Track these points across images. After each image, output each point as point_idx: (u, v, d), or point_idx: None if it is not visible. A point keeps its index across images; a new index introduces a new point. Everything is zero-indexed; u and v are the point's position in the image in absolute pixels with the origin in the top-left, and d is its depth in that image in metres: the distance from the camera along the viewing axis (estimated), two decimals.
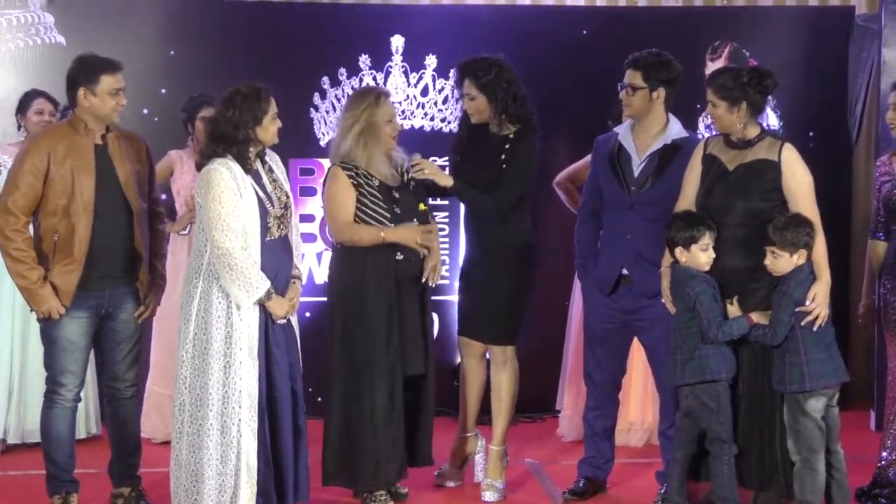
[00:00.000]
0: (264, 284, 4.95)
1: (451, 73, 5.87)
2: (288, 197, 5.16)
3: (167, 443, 6.60)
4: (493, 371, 5.83)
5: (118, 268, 5.29)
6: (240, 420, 4.94)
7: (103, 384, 5.54)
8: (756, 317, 5.04)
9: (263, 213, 5.01)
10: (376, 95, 5.51)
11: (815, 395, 5.00)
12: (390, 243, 5.42)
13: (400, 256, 5.46)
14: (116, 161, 5.26)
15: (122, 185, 5.25)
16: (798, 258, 5.00)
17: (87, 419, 6.70)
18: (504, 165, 5.62)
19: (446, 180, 5.59)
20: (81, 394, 5.42)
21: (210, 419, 4.94)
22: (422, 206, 5.55)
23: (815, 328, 4.98)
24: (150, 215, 5.43)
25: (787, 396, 5.04)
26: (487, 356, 5.87)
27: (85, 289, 5.20)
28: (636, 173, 5.50)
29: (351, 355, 5.46)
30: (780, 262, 5.01)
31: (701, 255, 5.08)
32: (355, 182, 5.44)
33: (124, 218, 5.26)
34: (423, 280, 5.50)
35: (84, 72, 5.22)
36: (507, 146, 5.65)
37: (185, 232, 6.67)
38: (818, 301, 4.98)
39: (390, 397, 5.44)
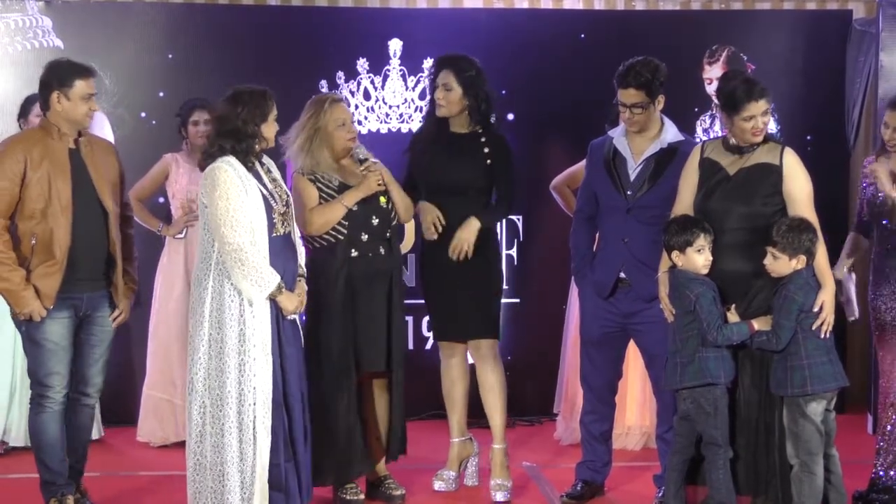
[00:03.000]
0: (275, 279, 4.98)
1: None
2: (288, 195, 5.22)
3: (164, 447, 6.64)
4: (482, 369, 5.82)
5: (96, 271, 5.30)
6: (255, 417, 4.97)
7: (69, 389, 5.40)
8: (758, 324, 5.03)
9: (269, 209, 5.05)
10: (323, 101, 5.54)
11: (815, 399, 5.00)
12: (350, 238, 5.44)
13: (355, 253, 5.48)
14: (90, 165, 5.28)
15: (96, 189, 5.27)
16: (797, 263, 4.99)
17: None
18: (489, 161, 5.69)
19: (473, 227, 5.63)
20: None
21: (231, 417, 4.97)
22: (382, 199, 5.55)
23: (823, 335, 4.98)
24: (121, 220, 5.44)
25: (788, 400, 5.03)
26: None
27: (65, 291, 5.21)
28: (632, 177, 5.50)
29: (309, 351, 5.45)
30: (779, 263, 5.00)
31: (697, 257, 5.08)
32: (316, 186, 5.48)
33: (100, 221, 5.28)
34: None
35: (58, 75, 5.24)
36: (483, 140, 5.73)
37: (181, 235, 6.67)
38: (826, 309, 4.98)
39: (343, 393, 5.45)
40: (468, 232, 5.65)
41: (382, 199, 5.55)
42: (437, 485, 5.89)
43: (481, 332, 5.78)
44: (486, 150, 5.72)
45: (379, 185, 5.52)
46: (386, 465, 5.75)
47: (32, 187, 5.16)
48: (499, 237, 5.92)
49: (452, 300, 5.75)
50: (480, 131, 5.75)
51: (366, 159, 5.56)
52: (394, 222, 5.63)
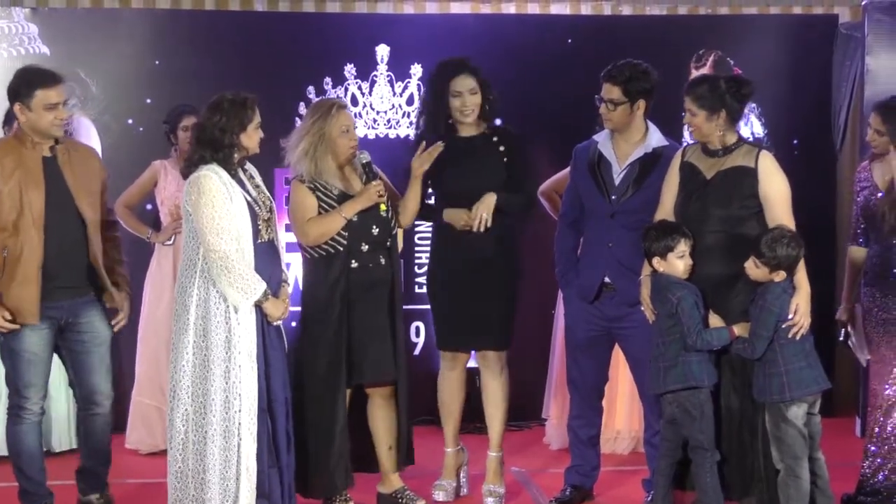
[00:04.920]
0: (261, 286, 4.98)
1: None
2: (271, 202, 5.22)
3: (154, 454, 6.62)
4: (487, 378, 5.80)
5: (76, 279, 5.23)
6: (240, 424, 4.96)
7: (78, 398, 5.41)
8: (738, 329, 5.05)
9: (253, 216, 5.05)
10: (328, 107, 5.46)
11: (795, 403, 5.01)
12: (350, 249, 5.38)
13: (355, 264, 5.42)
14: (67, 173, 5.20)
15: (73, 198, 5.19)
16: (777, 277, 5.00)
17: (70, 431, 6.65)
18: (505, 159, 5.65)
19: (490, 199, 5.55)
20: (49, 405, 5.32)
21: (214, 425, 4.96)
22: (382, 207, 5.48)
23: (798, 338, 4.99)
24: (105, 225, 5.38)
25: (769, 405, 5.04)
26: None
27: (43, 301, 5.13)
28: (617, 182, 5.51)
29: (298, 364, 5.42)
30: (759, 272, 5.02)
31: (678, 263, 5.09)
32: (316, 194, 5.42)
33: (78, 230, 5.20)
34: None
35: (19, 86, 5.16)
36: (494, 139, 5.68)
37: (170, 242, 6.66)
38: (801, 312, 4.99)
39: (332, 406, 5.40)
40: (485, 204, 5.54)
41: (382, 207, 5.49)
42: (440, 495, 5.82)
43: (489, 344, 5.73)
44: (501, 148, 5.67)
45: (379, 195, 5.46)
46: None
47: (4, 200, 5.08)
48: (519, 243, 5.79)
49: (461, 308, 5.66)
50: (489, 131, 5.70)
51: (367, 163, 5.49)
52: (394, 231, 5.58)
